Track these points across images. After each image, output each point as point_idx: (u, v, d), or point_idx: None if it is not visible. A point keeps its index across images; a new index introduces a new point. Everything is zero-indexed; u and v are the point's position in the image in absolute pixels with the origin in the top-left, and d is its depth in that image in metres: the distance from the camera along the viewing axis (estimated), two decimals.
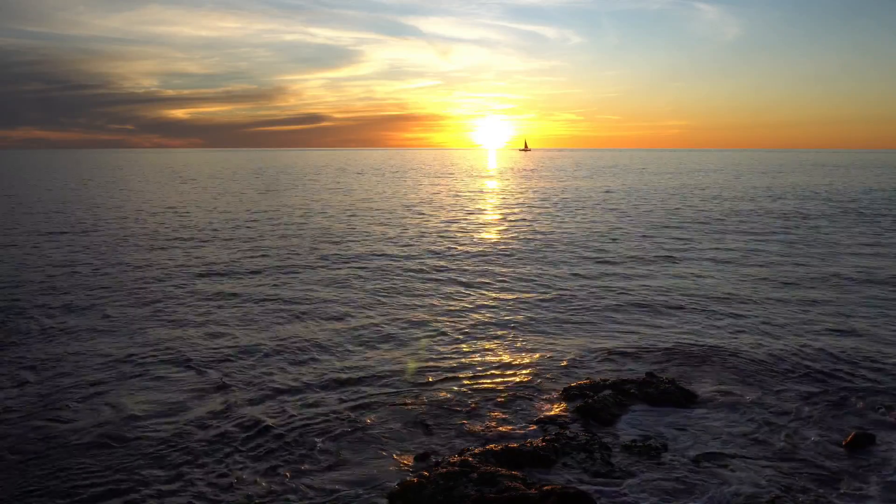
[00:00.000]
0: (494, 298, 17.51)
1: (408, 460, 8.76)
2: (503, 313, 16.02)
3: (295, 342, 13.73)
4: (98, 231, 30.49)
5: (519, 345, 13.61)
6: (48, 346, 13.39)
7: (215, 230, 30.90)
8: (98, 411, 10.31)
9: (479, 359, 12.77)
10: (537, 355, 12.94)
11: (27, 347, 13.38)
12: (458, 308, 16.48)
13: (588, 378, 11.53)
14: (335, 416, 10.13)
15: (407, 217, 36.86)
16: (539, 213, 38.77)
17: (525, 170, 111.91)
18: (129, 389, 11.23)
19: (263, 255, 23.99)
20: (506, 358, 12.80)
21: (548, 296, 17.70)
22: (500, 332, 14.46)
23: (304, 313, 15.93)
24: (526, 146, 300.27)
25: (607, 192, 56.25)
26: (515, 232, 30.82)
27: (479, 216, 37.73)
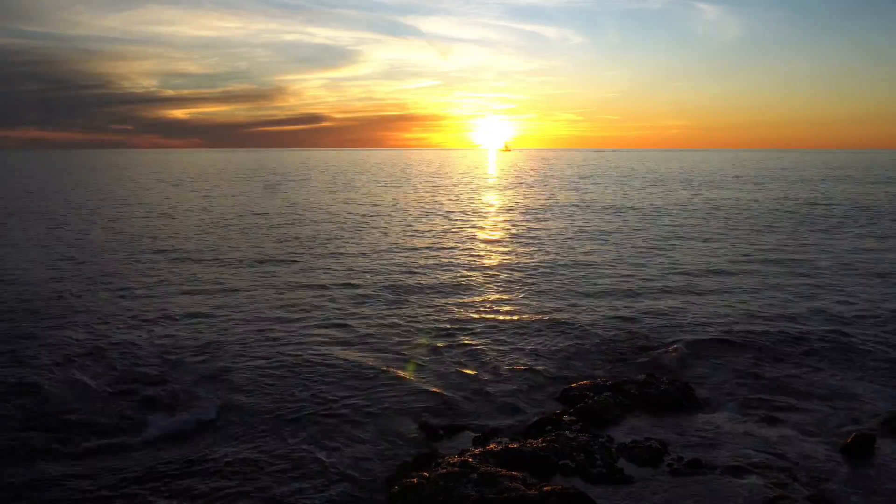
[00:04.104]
0: (494, 301, 17.52)
1: (408, 460, 8.76)
2: (503, 315, 16.04)
3: (292, 342, 13.76)
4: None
5: (519, 346, 13.63)
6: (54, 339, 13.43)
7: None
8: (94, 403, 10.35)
9: (479, 359, 12.79)
10: (538, 357, 12.97)
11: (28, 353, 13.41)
12: (458, 309, 16.50)
13: (588, 379, 11.56)
14: (334, 417, 10.15)
15: (410, 222, 36.83)
16: None
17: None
18: (129, 389, 11.26)
19: (271, 253, 24.04)
20: (506, 359, 12.82)
21: (548, 298, 17.72)
22: (500, 334, 14.48)
23: (303, 312, 15.97)
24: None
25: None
26: (518, 241, 30.86)
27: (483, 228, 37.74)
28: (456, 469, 8.08)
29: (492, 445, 8.93)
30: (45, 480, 8.28)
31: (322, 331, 14.60)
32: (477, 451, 8.76)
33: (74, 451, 9.00)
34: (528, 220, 36.04)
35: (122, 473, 8.44)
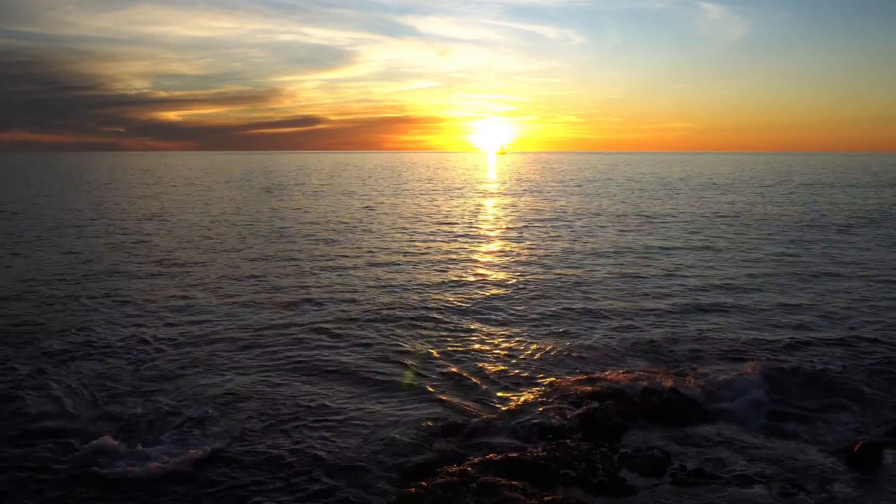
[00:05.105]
0: (494, 307, 17.55)
1: (405, 470, 8.77)
2: (503, 322, 16.07)
3: (284, 351, 13.75)
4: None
5: (519, 354, 13.66)
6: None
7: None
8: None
9: (478, 367, 12.81)
10: (538, 364, 12.99)
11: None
12: (456, 316, 16.52)
13: (590, 387, 11.56)
14: (328, 427, 10.15)
15: (407, 230, 36.90)
16: None
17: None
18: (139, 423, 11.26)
19: (271, 263, 24.07)
20: (505, 367, 12.85)
21: (550, 304, 17.75)
22: (499, 341, 14.51)
23: (295, 321, 15.98)
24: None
25: None
26: (520, 247, 30.91)
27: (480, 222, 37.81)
28: (455, 478, 8.10)
29: (491, 454, 8.95)
30: None
31: (315, 340, 14.53)
32: (476, 459, 8.78)
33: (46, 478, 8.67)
34: (527, 228, 36.08)
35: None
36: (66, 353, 13.53)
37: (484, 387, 11.80)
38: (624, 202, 50.60)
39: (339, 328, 15.31)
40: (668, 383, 11.59)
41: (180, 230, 32.99)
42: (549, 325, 15.65)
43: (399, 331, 15.19)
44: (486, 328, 15.47)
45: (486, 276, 21.70)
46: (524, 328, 15.45)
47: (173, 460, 8.90)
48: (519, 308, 17.28)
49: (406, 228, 34.25)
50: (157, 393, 11.43)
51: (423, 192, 64.66)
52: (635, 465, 8.92)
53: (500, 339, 14.60)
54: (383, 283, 20.19)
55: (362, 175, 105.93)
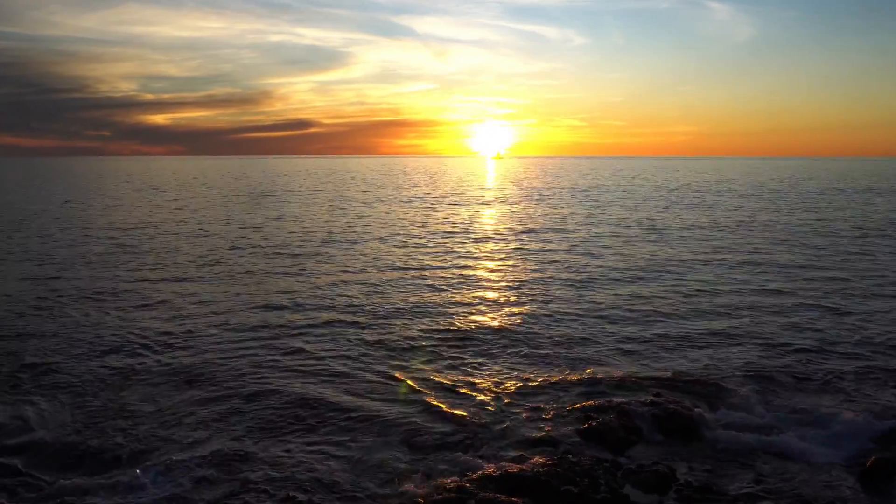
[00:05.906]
0: (494, 316, 17.53)
1: (402, 486, 8.74)
2: (503, 336, 16.02)
3: (277, 364, 13.70)
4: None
5: (520, 366, 13.63)
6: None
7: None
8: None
9: (477, 379, 12.78)
10: (539, 377, 12.96)
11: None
12: (455, 331, 16.48)
13: (593, 400, 11.54)
14: (322, 442, 10.11)
15: (402, 238, 36.90)
16: None
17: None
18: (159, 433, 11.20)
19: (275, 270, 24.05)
20: (506, 379, 12.81)
21: (551, 315, 17.74)
22: (500, 352, 14.48)
23: (295, 327, 15.97)
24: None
25: None
26: (517, 250, 30.94)
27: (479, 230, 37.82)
28: (453, 494, 8.07)
29: (490, 469, 8.91)
30: None
31: (307, 353, 14.45)
32: (475, 475, 8.74)
33: None
34: (526, 238, 36.12)
35: None
36: (39, 375, 12.92)
37: (483, 401, 11.75)
38: (626, 209, 50.65)
39: (332, 341, 15.26)
40: (674, 398, 11.59)
41: (164, 241, 32.90)
42: (550, 338, 15.60)
43: (394, 345, 15.12)
44: (486, 342, 15.41)
45: (486, 289, 21.69)
46: (525, 341, 15.40)
47: (156, 495, 8.46)
48: (519, 320, 17.25)
49: (401, 238, 34.24)
50: (138, 420, 10.89)
51: (415, 198, 64.64)
52: (639, 480, 8.89)
53: (500, 353, 14.55)
54: (378, 297, 20.14)
55: (355, 181, 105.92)
